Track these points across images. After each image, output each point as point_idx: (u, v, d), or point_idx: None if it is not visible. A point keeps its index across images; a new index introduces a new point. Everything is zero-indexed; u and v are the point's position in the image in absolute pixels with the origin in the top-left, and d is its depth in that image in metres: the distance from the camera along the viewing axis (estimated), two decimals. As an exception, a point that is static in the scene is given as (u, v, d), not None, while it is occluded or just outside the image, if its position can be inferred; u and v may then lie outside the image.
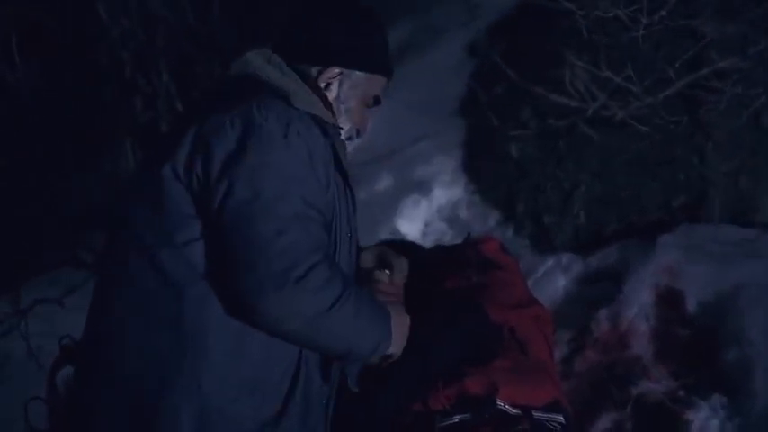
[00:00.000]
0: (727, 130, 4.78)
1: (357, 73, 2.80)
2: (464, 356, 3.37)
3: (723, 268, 4.38)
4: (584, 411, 4.00)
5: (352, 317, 2.51)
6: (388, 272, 2.98)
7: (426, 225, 5.42)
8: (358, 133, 2.88)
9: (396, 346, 2.73)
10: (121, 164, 6.30)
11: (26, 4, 6.18)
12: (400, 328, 2.73)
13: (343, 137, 2.78)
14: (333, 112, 2.76)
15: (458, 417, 3.23)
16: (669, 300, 4.34)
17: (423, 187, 5.49)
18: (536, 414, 3.24)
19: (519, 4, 5.89)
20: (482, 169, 5.46)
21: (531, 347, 3.58)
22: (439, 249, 4.19)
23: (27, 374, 4.98)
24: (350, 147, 2.81)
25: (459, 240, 4.74)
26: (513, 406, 3.24)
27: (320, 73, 2.76)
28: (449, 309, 3.46)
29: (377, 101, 2.89)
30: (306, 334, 2.49)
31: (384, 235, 5.25)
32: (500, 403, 3.23)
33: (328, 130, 2.61)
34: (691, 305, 4.31)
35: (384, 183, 5.57)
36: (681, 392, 4.00)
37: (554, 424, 3.25)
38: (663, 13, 4.31)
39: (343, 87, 2.79)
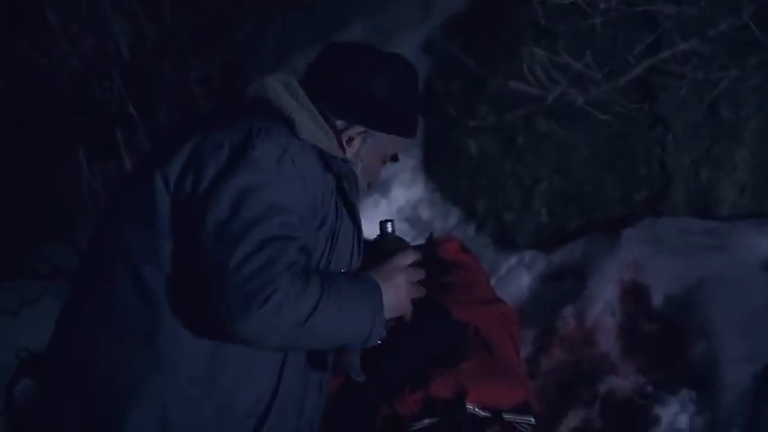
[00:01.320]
0: (687, 122, 4.75)
1: (382, 133, 2.72)
2: (431, 359, 3.33)
3: (687, 261, 4.36)
4: (552, 410, 3.96)
5: (336, 315, 2.43)
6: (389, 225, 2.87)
7: (388, 226, 5.35)
8: (368, 186, 2.82)
9: (395, 310, 2.61)
10: (75, 171, 6.18)
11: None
12: (394, 292, 2.59)
13: None
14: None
15: (427, 421, 3.18)
16: (634, 295, 4.31)
17: (382, 187, 5.44)
18: (506, 416, 3.20)
19: (472, -1, 5.85)
20: (441, 167, 5.42)
21: (496, 347, 3.54)
22: (401, 250, 4.13)
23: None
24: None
25: (420, 240, 4.70)
26: (483, 408, 3.20)
27: (345, 128, 2.68)
28: (413, 311, 3.41)
29: (394, 158, 2.83)
30: (292, 345, 2.46)
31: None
32: (469, 406, 3.19)
33: (332, 164, 2.55)
34: (656, 299, 4.28)
35: (343, 183, 5.49)
36: (649, 388, 3.96)
37: (524, 425, 3.21)
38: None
39: (365, 145, 2.70)
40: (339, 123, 2.67)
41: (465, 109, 5.27)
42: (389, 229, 2.81)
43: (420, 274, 2.68)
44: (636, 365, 4.08)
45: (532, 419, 3.23)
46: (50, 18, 5.93)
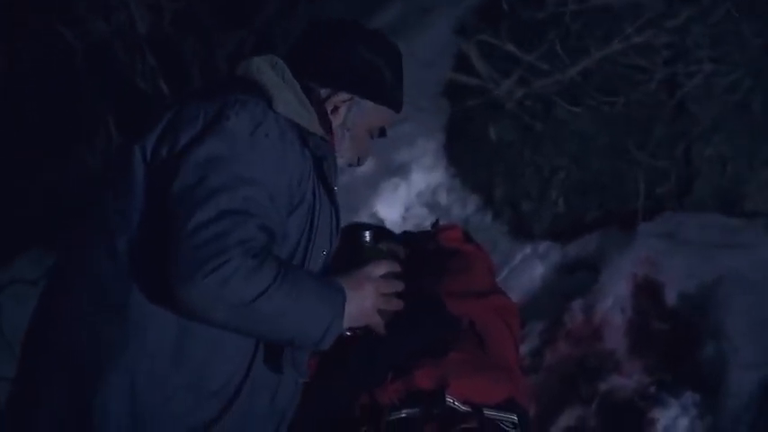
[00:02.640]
0: (715, 115, 4.59)
1: (368, 102, 2.71)
2: (417, 349, 3.25)
3: (706, 259, 4.21)
4: (550, 406, 3.85)
5: (287, 304, 2.38)
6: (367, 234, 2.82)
7: (406, 210, 5.29)
8: (359, 161, 2.81)
9: (357, 320, 2.55)
10: (105, 145, 6.21)
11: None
12: (359, 300, 2.53)
13: (341, 164, 2.72)
14: (331, 133, 2.67)
15: (405, 411, 3.10)
16: (647, 291, 4.18)
17: (403, 170, 5.35)
18: (487, 412, 3.10)
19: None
20: (462, 153, 5.31)
21: (490, 341, 3.44)
22: (402, 237, 4.06)
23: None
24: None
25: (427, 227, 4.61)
26: (464, 403, 3.10)
27: (330, 96, 2.68)
28: (404, 300, 3.32)
29: (382, 132, 2.80)
30: (236, 324, 2.39)
31: (364, 220, 5.13)
32: (449, 399, 3.09)
33: (309, 141, 2.53)
34: (670, 297, 4.14)
35: (365, 166, 5.40)
36: (652, 389, 3.83)
37: (506, 423, 3.11)
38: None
39: (350, 114, 2.69)
40: (323, 92, 2.66)
41: (488, 93, 5.16)
42: (366, 239, 2.75)
43: (395, 286, 2.62)
44: (642, 364, 3.95)
45: (515, 418, 3.12)
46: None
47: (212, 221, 2.31)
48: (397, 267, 2.66)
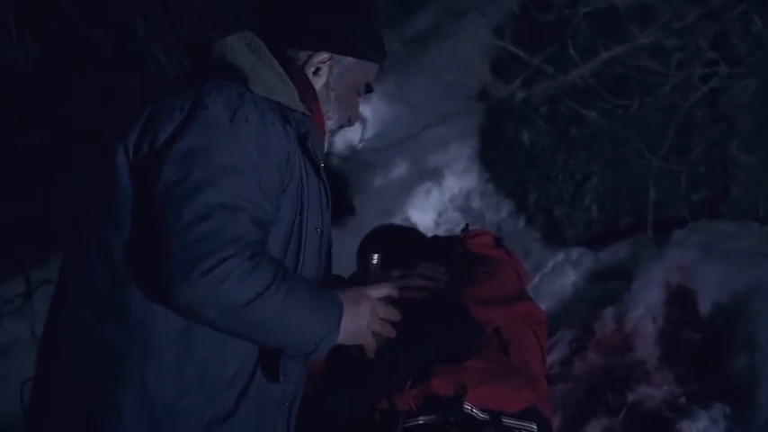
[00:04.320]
0: (753, 120, 4.49)
1: (348, 59, 2.66)
2: (438, 355, 3.20)
3: (741, 268, 4.11)
4: (576, 416, 3.77)
5: (281, 311, 2.33)
6: (375, 257, 2.80)
7: (439, 215, 5.24)
8: (349, 120, 2.75)
9: (351, 337, 2.51)
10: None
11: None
12: (355, 318, 2.50)
13: (332, 125, 2.70)
14: (317, 99, 2.63)
15: (423, 418, 3.05)
16: (680, 300, 4.08)
17: (436, 175, 5.30)
18: (506, 420, 3.04)
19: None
20: (496, 157, 5.26)
21: (515, 348, 3.38)
22: (431, 241, 4.02)
23: (30, 356, 4.94)
24: (340, 136, 2.71)
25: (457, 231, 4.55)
26: (483, 410, 3.05)
27: (309, 58, 2.62)
28: (427, 305, 3.28)
29: (368, 88, 2.75)
30: (227, 325, 2.35)
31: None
32: (467, 406, 3.04)
33: (291, 119, 2.49)
34: (703, 306, 4.04)
35: (399, 170, 5.39)
36: (682, 400, 3.74)
37: (525, 432, 3.05)
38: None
39: (333, 73, 2.65)
40: (302, 55, 2.61)
41: (522, 97, 5.10)
42: (374, 261, 2.74)
43: (392, 313, 2.59)
44: (673, 374, 3.85)
45: (535, 427, 3.06)
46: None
47: (203, 218, 2.26)
48: (396, 294, 2.63)
